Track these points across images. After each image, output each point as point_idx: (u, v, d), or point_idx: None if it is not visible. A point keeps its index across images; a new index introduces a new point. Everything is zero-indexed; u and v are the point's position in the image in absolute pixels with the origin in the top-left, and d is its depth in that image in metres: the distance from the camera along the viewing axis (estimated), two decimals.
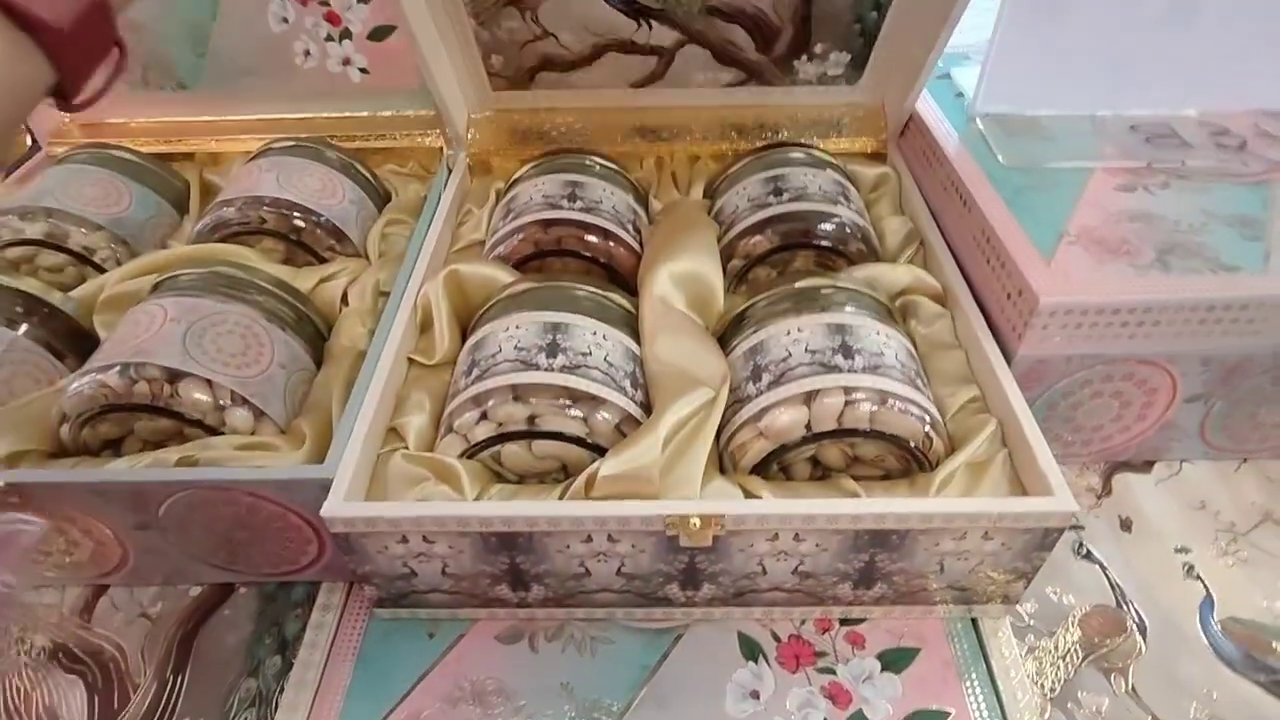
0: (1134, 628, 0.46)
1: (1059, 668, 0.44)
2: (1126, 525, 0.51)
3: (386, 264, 0.59)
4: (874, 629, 0.45)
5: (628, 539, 0.40)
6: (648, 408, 0.45)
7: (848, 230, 0.54)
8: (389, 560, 0.42)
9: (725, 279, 0.54)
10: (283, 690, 0.44)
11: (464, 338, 0.50)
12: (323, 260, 0.59)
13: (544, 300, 0.47)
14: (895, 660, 0.44)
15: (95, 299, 0.54)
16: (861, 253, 0.55)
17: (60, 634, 0.47)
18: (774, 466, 0.43)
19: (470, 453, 0.44)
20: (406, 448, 0.45)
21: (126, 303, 0.52)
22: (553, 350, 0.44)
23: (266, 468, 0.43)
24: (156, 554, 0.46)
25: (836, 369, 0.42)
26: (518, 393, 0.43)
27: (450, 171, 0.66)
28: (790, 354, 0.43)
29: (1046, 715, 0.42)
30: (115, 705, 0.44)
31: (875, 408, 0.41)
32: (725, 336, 0.49)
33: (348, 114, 0.69)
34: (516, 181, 0.62)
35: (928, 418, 0.42)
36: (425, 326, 0.52)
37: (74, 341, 0.52)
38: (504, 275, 0.53)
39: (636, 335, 0.49)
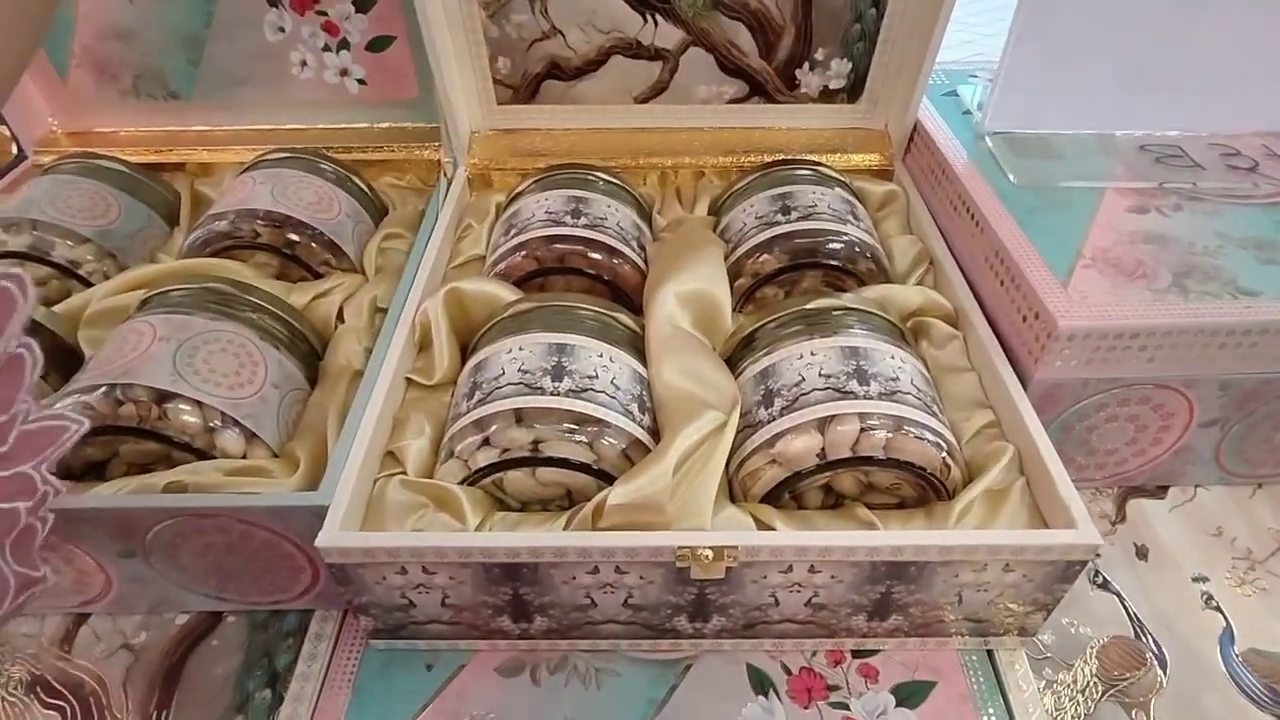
0: (1153, 660, 0.44)
1: (1078, 703, 0.43)
2: (1143, 553, 0.50)
3: (384, 280, 0.57)
4: (887, 661, 0.44)
5: (636, 570, 0.39)
6: (655, 432, 0.43)
7: (857, 249, 0.53)
8: (387, 591, 0.40)
9: (732, 298, 0.53)
10: None
11: (464, 357, 0.49)
12: (318, 276, 0.58)
13: (548, 321, 0.46)
14: (910, 694, 0.43)
15: (80, 314, 0.52)
16: (871, 272, 0.54)
17: (38, 665, 0.45)
18: (786, 494, 0.42)
19: (471, 479, 0.42)
20: (405, 473, 0.43)
21: (113, 318, 0.50)
22: (558, 373, 0.42)
23: (259, 494, 0.41)
24: (142, 582, 0.44)
25: (851, 394, 0.41)
26: (521, 417, 0.41)
27: (450, 185, 0.65)
28: (803, 378, 0.42)
29: None
30: None
31: (891, 435, 0.40)
32: (734, 358, 0.48)
33: (344, 125, 0.68)
34: (518, 196, 0.60)
35: (944, 444, 0.41)
36: (424, 345, 0.50)
37: (57, 358, 0.50)
38: (505, 293, 0.52)
39: (643, 357, 0.47)
